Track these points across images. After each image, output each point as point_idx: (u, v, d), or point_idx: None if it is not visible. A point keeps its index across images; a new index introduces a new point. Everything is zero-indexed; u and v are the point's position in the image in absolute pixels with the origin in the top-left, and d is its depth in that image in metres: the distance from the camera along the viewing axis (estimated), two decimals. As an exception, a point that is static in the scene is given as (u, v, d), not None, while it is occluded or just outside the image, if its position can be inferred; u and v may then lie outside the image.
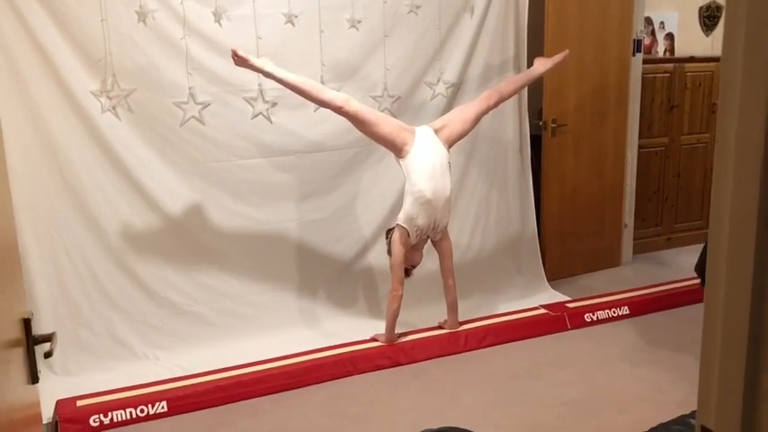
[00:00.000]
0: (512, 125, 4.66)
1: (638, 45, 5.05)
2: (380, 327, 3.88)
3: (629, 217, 5.32)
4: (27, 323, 1.46)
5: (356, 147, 4.17)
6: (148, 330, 3.82)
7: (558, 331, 4.11)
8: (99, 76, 3.57)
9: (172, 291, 3.87)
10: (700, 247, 3.93)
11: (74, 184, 3.61)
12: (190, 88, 3.75)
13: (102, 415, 3.18)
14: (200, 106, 3.79)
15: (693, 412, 2.76)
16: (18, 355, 1.42)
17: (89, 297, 3.70)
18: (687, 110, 5.52)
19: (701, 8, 5.60)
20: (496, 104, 4.00)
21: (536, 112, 4.81)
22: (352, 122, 3.67)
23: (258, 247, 4.06)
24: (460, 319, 4.02)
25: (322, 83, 3.95)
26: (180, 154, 3.80)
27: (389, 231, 3.83)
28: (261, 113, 3.95)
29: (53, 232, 3.60)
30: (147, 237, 3.79)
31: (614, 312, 4.30)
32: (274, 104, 3.96)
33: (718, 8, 5.58)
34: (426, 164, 3.66)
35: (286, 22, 3.91)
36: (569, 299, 4.50)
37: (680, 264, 5.17)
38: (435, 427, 2.76)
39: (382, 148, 3.89)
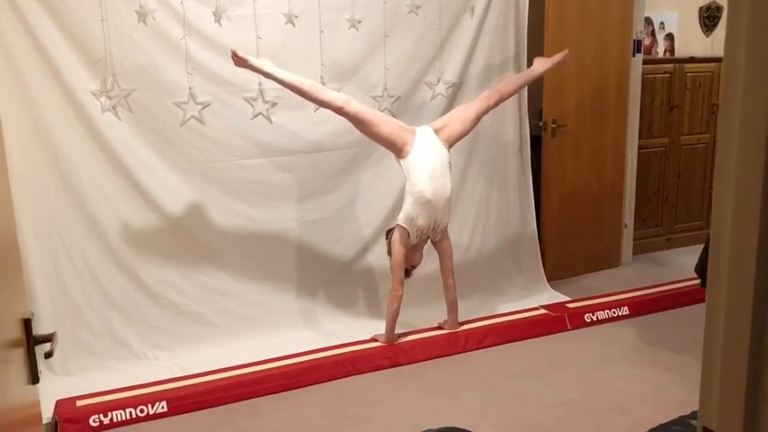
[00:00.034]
0: (512, 125, 4.66)
1: (638, 45, 5.05)
2: (380, 327, 3.88)
3: (629, 217, 5.32)
4: (27, 323, 1.46)
5: (356, 147, 4.17)
6: (148, 330, 3.82)
7: (558, 331, 4.11)
8: (99, 75, 3.57)
9: (172, 291, 3.87)
10: (699, 247, 3.94)
11: (74, 183, 3.60)
12: (190, 88, 3.75)
13: (101, 415, 3.18)
14: (200, 106, 3.79)
15: (694, 413, 2.76)
16: (18, 355, 1.42)
17: (89, 297, 3.70)
18: (687, 110, 5.52)
19: (701, 8, 5.60)
20: (497, 104, 4.00)
21: (536, 113, 4.81)
22: (352, 123, 3.67)
23: (258, 248, 4.06)
24: (460, 320, 4.02)
25: (322, 83, 3.95)
26: (180, 154, 3.80)
27: (389, 232, 3.83)
28: (261, 113, 3.94)
29: (53, 232, 3.60)
30: (146, 237, 3.79)
31: (614, 313, 4.30)
32: (274, 104, 3.96)
33: (719, 8, 5.58)
34: (427, 164, 3.65)
35: (286, 23, 3.91)
36: (569, 299, 4.50)
37: (680, 264, 5.17)
38: (435, 427, 2.76)
39: (382, 149, 3.89)
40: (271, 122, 3.97)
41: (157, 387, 3.40)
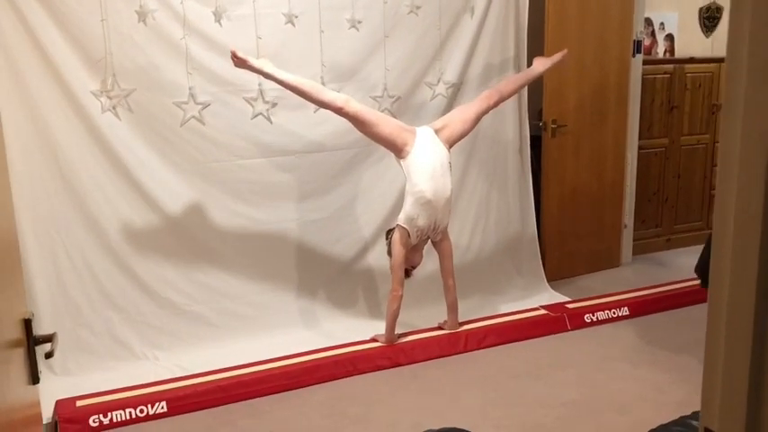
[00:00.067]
0: (512, 126, 4.66)
1: (638, 46, 5.05)
2: (380, 327, 3.88)
3: (628, 218, 5.32)
4: (28, 323, 1.45)
5: (356, 147, 4.17)
6: (148, 330, 3.82)
7: (558, 332, 4.11)
8: (99, 75, 3.57)
9: (172, 291, 3.87)
10: (699, 248, 3.93)
11: (74, 183, 3.60)
12: (190, 88, 3.75)
13: (101, 415, 3.18)
14: (200, 106, 3.78)
15: (694, 413, 2.76)
16: (19, 355, 1.41)
17: (89, 297, 3.70)
18: (687, 111, 5.52)
19: (700, 9, 5.60)
20: (497, 104, 4.00)
21: (536, 113, 4.81)
22: (352, 123, 3.67)
23: (258, 247, 4.06)
24: (460, 320, 4.02)
25: (322, 83, 3.95)
26: (180, 154, 3.80)
27: (389, 232, 3.82)
28: (261, 114, 3.94)
29: (53, 232, 3.60)
30: (146, 237, 3.79)
31: (614, 313, 4.30)
32: (274, 105, 3.96)
33: (718, 9, 5.58)
34: (427, 164, 3.65)
35: (286, 23, 3.91)
36: (569, 299, 4.50)
37: (679, 264, 5.17)
38: (436, 427, 2.76)
39: (382, 149, 3.89)
40: (271, 123, 3.97)
41: (157, 387, 3.40)
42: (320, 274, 4.24)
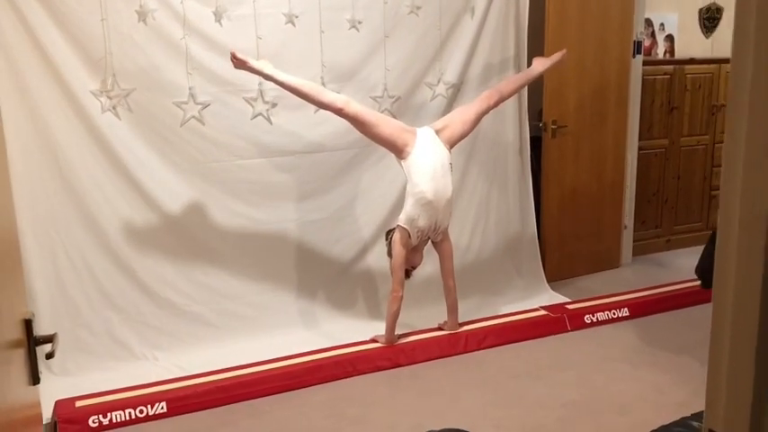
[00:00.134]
0: (512, 127, 4.66)
1: (638, 46, 5.05)
2: (380, 328, 3.87)
3: (628, 218, 5.32)
4: (28, 324, 1.45)
5: (356, 147, 4.16)
6: (147, 330, 3.82)
7: (558, 333, 4.11)
8: (99, 75, 3.57)
9: (171, 291, 3.86)
10: (699, 248, 3.94)
11: (73, 183, 3.60)
12: (190, 88, 3.74)
13: (101, 415, 3.17)
14: (200, 106, 3.78)
15: (695, 414, 2.76)
16: (19, 355, 1.41)
17: (88, 297, 3.69)
18: (687, 111, 5.52)
19: (700, 10, 5.60)
20: (497, 104, 4.00)
21: (536, 114, 4.81)
22: (352, 124, 3.67)
23: (257, 248, 4.05)
24: (460, 321, 4.01)
25: (322, 83, 3.95)
26: (180, 154, 3.80)
27: (389, 232, 3.82)
28: (261, 114, 3.94)
29: (52, 232, 3.59)
30: (146, 236, 3.78)
31: (614, 314, 4.29)
32: (274, 105, 3.96)
33: (718, 10, 5.58)
34: (428, 165, 3.65)
35: (286, 23, 3.90)
36: (569, 300, 4.50)
37: (679, 265, 5.17)
38: (436, 428, 2.76)
39: (382, 149, 3.89)
40: (271, 123, 3.97)
41: (157, 387, 3.39)
42: (320, 275, 4.24)
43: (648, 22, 5.42)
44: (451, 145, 3.80)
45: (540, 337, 4.06)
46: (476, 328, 4.01)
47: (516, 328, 4.08)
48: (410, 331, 3.95)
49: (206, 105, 3.79)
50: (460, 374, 3.65)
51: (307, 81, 3.66)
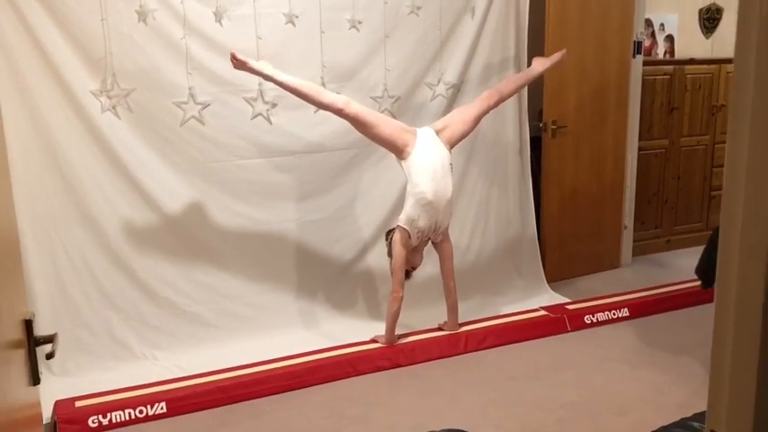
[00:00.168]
0: (512, 127, 4.66)
1: (638, 47, 5.05)
2: (380, 328, 3.87)
3: (628, 219, 5.32)
4: (29, 324, 1.45)
5: (356, 147, 4.16)
6: (147, 330, 3.81)
7: (558, 333, 4.11)
8: (99, 75, 3.57)
9: (171, 291, 3.86)
10: (699, 249, 3.93)
11: (73, 183, 3.60)
12: (190, 88, 3.74)
13: (100, 416, 3.17)
14: (200, 106, 3.78)
15: (695, 415, 2.76)
16: (19, 356, 1.41)
17: (88, 297, 3.69)
18: (687, 112, 5.52)
19: (700, 10, 5.60)
20: (497, 104, 4.00)
21: (536, 114, 4.81)
22: (352, 125, 3.67)
23: (257, 248, 4.05)
24: (460, 321, 4.01)
25: (322, 83, 3.95)
26: (180, 154, 3.79)
27: (390, 233, 3.82)
28: (261, 114, 3.94)
29: (52, 232, 3.59)
30: (146, 236, 3.78)
31: (614, 314, 4.29)
32: (274, 105, 3.96)
33: (718, 10, 5.58)
34: (428, 165, 3.65)
35: (286, 23, 3.90)
36: (569, 300, 4.49)
37: (679, 266, 5.16)
38: (436, 429, 2.76)
39: (382, 149, 3.89)
40: (270, 123, 3.97)
41: (157, 388, 3.39)
42: (320, 275, 4.24)
43: (648, 23, 5.42)
44: (452, 145, 3.80)
45: (539, 337, 4.05)
46: (476, 329, 4.01)
47: (516, 328, 4.08)
48: (410, 331, 3.94)
49: (206, 105, 3.79)
50: (460, 375, 3.65)
51: (306, 81, 3.66)
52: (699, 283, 3.88)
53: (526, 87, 4.43)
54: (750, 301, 0.74)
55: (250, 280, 4.05)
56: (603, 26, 4.82)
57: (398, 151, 3.70)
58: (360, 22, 4.08)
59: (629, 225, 5.33)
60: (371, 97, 4.17)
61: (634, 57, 5.03)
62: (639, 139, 5.26)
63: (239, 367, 3.55)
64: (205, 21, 3.72)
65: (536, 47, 4.52)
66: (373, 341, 3.85)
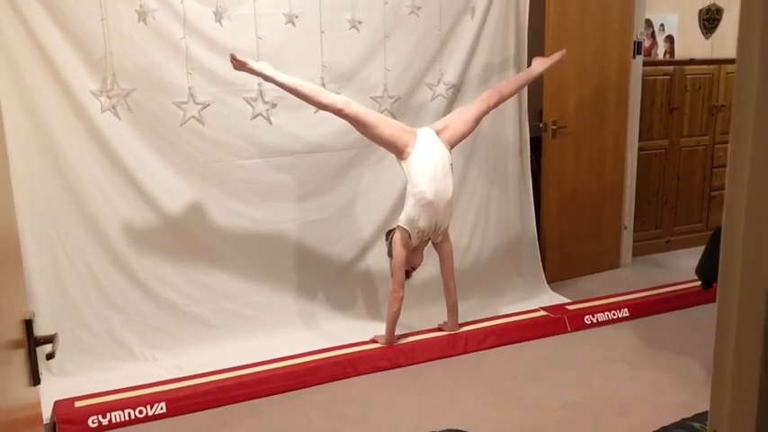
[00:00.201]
0: (512, 127, 4.66)
1: (638, 47, 5.05)
2: (379, 329, 3.87)
3: (628, 219, 5.32)
4: (29, 324, 1.44)
5: (356, 148, 4.16)
6: (147, 331, 3.81)
7: (558, 333, 4.11)
8: (99, 75, 3.57)
9: (171, 291, 3.86)
10: (699, 249, 3.92)
11: (73, 183, 3.59)
12: (190, 88, 3.74)
13: (100, 416, 3.17)
14: (199, 106, 3.78)
15: (695, 415, 2.75)
16: (19, 356, 1.40)
17: (88, 297, 3.69)
18: (687, 112, 5.52)
19: (700, 11, 5.61)
20: (497, 104, 4.00)
21: (536, 114, 4.80)
22: (353, 125, 3.67)
23: (257, 248, 4.05)
24: (460, 321, 4.01)
25: (322, 83, 3.95)
26: (180, 154, 3.79)
27: (390, 233, 3.82)
28: (261, 114, 3.94)
29: (52, 232, 3.59)
30: (146, 236, 3.78)
31: (614, 314, 4.29)
32: (274, 105, 3.95)
33: (718, 11, 5.58)
34: (428, 165, 3.65)
35: (286, 23, 3.90)
36: (569, 301, 4.49)
37: (679, 266, 5.16)
38: (436, 429, 2.76)
39: (382, 149, 3.89)
40: (270, 123, 3.97)
41: (156, 388, 3.38)
42: (320, 275, 4.24)
43: (648, 23, 5.42)
44: (452, 145, 3.80)
45: (540, 337, 4.05)
46: (476, 329, 4.01)
47: (516, 328, 4.08)
48: (410, 332, 3.94)
49: (206, 105, 3.79)
50: (460, 375, 3.64)
51: (306, 82, 3.66)
52: (699, 283, 3.88)
53: (526, 87, 4.43)
54: (753, 301, 0.74)
55: (250, 280, 4.05)
56: (603, 26, 4.82)
57: (399, 152, 3.69)
58: (360, 22, 4.07)
59: (628, 225, 5.33)
60: (371, 97, 4.17)
61: (634, 57, 5.03)
62: (639, 140, 5.26)
63: (239, 367, 3.55)
64: (205, 21, 3.72)
65: (536, 47, 4.52)
66: (373, 341, 3.85)
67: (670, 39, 5.63)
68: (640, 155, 5.30)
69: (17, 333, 1.39)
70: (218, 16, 3.74)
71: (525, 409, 3.27)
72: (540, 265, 4.80)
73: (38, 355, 1.48)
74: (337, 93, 3.81)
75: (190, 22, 3.68)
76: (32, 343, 1.45)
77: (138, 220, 3.75)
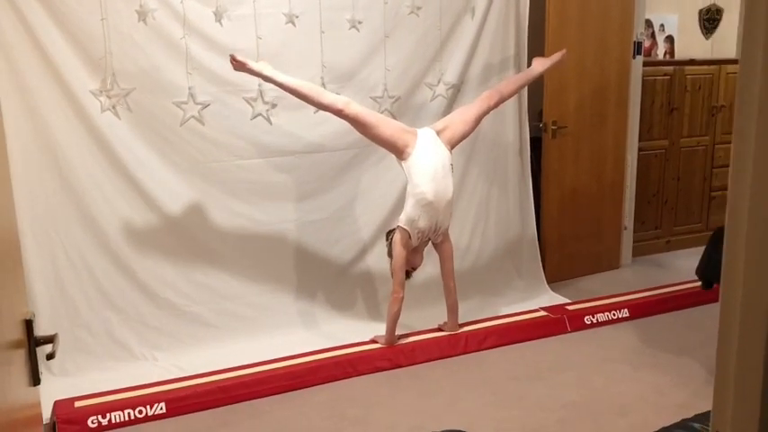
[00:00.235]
0: (512, 127, 4.65)
1: (638, 47, 5.05)
2: (379, 329, 3.87)
3: (628, 219, 5.32)
4: (29, 324, 1.44)
5: (356, 148, 4.16)
6: (147, 331, 3.81)
7: (558, 334, 4.10)
8: (99, 75, 3.56)
9: (170, 291, 3.86)
10: (699, 250, 3.92)
11: (73, 183, 3.59)
12: (190, 88, 3.74)
13: (100, 416, 3.17)
14: (199, 106, 3.78)
15: (696, 416, 2.75)
16: (19, 356, 1.40)
17: (87, 297, 3.69)
18: (687, 113, 5.52)
19: (700, 11, 5.61)
20: (497, 105, 4.00)
21: (536, 114, 4.80)
22: (353, 125, 3.66)
23: (257, 248, 4.05)
24: (460, 322, 4.01)
25: (322, 83, 3.95)
26: (180, 154, 3.79)
27: (390, 233, 3.81)
28: (260, 114, 3.94)
29: (51, 232, 3.59)
30: (145, 236, 3.78)
31: (614, 315, 4.29)
32: (274, 105, 3.95)
33: (718, 11, 5.58)
34: (428, 166, 3.65)
35: (287, 23, 3.90)
36: (569, 301, 4.49)
37: (679, 267, 5.16)
38: (437, 429, 2.76)
39: (382, 150, 3.88)
40: (270, 123, 3.96)
41: (156, 388, 3.38)
42: (319, 275, 4.23)
43: (648, 23, 5.42)
44: (452, 146, 3.79)
45: (540, 338, 4.05)
46: (476, 329, 4.01)
47: (516, 329, 4.08)
48: (410, 332, 3.94)
49: (206, 105, 3.79)
50: (460, 375, 3.64)
51: (306, 82, 3.65)
52: (699, 283, 3.87)
53: (526, 88, 4.43)
54: (756, 301, 0.74)
55: (250, 280, 4.05)
56: (603, 26, 4.82)
57: (399, 152, 3.69)
58: (360, 22, 4.07)
59: (628, 226, 5.33)
60: (371, 97, 4.17)
61: (634, 57, 5.03)
62: (639, 140, 5.26)
63: (239, 367, 3.55)
64: (205, 21, 3.72)
65: (536, 47, 4.52)
66: (373, 341, 3.85)
67: (670, 39, 5.63)
68: (640, 155, 5.30)
69: (17, 333, 1.39)
70: (218, 16, 3.74)
71: (526, 410, 3.27)
72: (540, 265, 4.80)
73: (38, 355, 1.47)
74: (337, 93, 3.81)
75: (190, 22, 3.67)
76: (32, 343, 1.45)
77: (137, 220, 3.75)
